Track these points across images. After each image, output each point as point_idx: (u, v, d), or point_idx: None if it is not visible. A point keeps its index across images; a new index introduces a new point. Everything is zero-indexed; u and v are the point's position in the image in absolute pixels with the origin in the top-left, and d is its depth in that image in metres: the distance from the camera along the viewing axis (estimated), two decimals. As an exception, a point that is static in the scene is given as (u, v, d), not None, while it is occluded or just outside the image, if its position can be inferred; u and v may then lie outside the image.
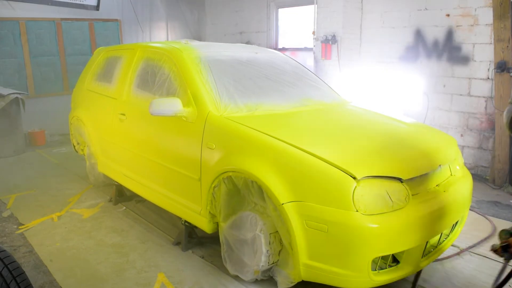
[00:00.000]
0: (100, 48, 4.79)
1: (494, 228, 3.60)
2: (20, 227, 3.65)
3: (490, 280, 2.81)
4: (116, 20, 7.84)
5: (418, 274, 2.78)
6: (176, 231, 3.43)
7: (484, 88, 4.90)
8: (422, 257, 2.43)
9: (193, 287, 2.74)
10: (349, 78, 5.99)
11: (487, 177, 4.90)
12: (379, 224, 2.18)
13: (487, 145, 4.99)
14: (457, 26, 5.05)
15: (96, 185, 4.65)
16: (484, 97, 4.92)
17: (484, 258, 3.11)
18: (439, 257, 2.84)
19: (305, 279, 2.40)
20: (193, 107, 2.96)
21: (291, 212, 2.30)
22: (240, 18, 8.21)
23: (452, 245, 3.17)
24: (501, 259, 2.07)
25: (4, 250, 1.94)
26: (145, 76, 3.64)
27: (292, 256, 2.41)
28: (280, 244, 2.54)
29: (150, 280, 2.81)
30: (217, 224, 2.88)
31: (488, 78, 4.85)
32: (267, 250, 2.51)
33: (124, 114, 3.72)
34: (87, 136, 4.46)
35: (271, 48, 6.95)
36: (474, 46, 4.94)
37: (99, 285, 2.76)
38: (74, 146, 4.98)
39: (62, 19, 7.15)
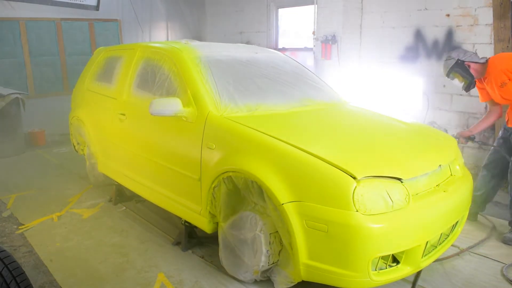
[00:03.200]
0: (100, 48, 4.79)
1: (494, 228, 3.60)
2: (20, 227, 3.65)
3: (490, 280, 2.82)
4: (116, 20, 7.84)
5: (418, 274, 2.78)
6: (176, 231, 3.43)
7: (484, 88, 4.90)
8: (422, 257, 2.43)
9: (193, 287, 2.74)
10: (349, 78, 5.99)
11: (487, 177, 4.89)
12: (379, 224, 2.18)
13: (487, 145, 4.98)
14: (457, 26, 5.04)
15: (96, 185, 4.65)
16: (484, 97, 4.91)
17: (484, 258, 3.11)
18: (439, 257, 2.84)
19: (305, 279, 2.40)
20: (193, 107, 2.96)
21: (291, 212, 2.30)
22: (240, 18, 8.21)
23: (452, 245, 3.17)
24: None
25: (4, 250, 1.93)
26: (145, 76, 3.64)
27: (292, 256, 2.41)
28: (280, 244, 2.54)
29: (150, 280, 2.81)
30: (217, 224, 2.88)
31: (488, 78, 4.84)
32: (267, 250, 2.51)
33: (124, 114, 3.72)
34: (87, 136, 4.46)
35: (271, 48, 6.95)
36: (474, 46, 4.93)
37: (99, 285, 2.76)
38: (74, 146, 4.98)
39: (62, 19, 7.15)
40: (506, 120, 3.48)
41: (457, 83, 3.55)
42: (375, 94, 5.82)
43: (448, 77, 3.63)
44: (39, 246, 3.27)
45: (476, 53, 3.56)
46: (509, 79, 3.27)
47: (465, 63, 3.44)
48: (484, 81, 3.52)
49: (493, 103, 3.61)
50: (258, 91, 3.25)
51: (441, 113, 5.34)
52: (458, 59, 3.46)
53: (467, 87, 3.52)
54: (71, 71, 7.27)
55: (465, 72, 3.45)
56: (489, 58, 3.48)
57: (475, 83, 3.57)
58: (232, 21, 8.37)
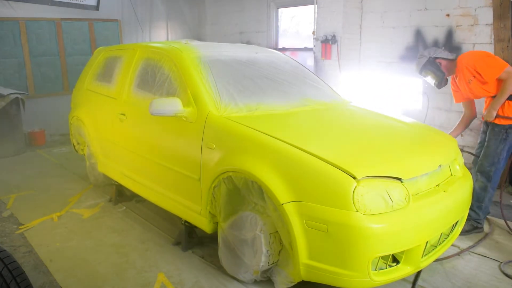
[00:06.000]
0: (100, 48, 4.79)
1: (494, 228, 3.59)
2: (20, 227, 3.65)
3: (490, 280, 2.82)
4: (116, 20, 7.84)
5: (418, 274, 2.79)
6: (176, 231, 3.43)
7: (484, 88, 4.90)
8: (422, 257, 2.43)
9: (193, 287, 2.74)
10: (349, 78, 5.98)
11: (487, 177, 4.89)
12: (379, 224, 2.18)
13: (487, 145, 4.98)
14: (457, 26, 5.04)
15: (96, 185, 4.65)
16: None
17: (484, 258, 3.11)
18: (439, 257, 2.84)
19: (305, 279, 2.40)
20: (193, 107, 2.96)
21: (291, 212, 2.30)
22: (240, 18, 8.21)
23: (452, 245, 3.17)
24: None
25: (4, 250, 1.94)
26: (145, 76, 3.64)
27: (292, 256, 2.41)
28: (280, 244, 2.54)
29: (150, 280, 2.81)
30: (217, 224, 2.88)
31: (488, 78, 4.84)
32: (267, 250, 2.52)
33: (124, 114, 3.73)
34: (87, 136, 4.46)
35: (271, 48, 6.95)
36: (474, 46, 4.93)
37: (99, 285, 2.76)
38: (74, 146, 4.98)
39: (62, 19, 7.15)
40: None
41: (430, 80, 3.63)
42: (375, 94, 5.82)
43: (420, 74, 3.71)
44: (39, 246, 3.28)
45: (446, 50, 3.64)
46: (474, 76, 3.36)
47: (436, 60, 3.53)
48: (457, 79, 3.60)
49: (466, 105, 3.72)
50: (258, 91, 3.24)
51: (441, 113, 5.34)
52: (429, 56, 3.55)
53: (439, 84, 3.60)
54: (71, 71, 7.27)
55: (436, 69, 3.54)
56: (458, 55, 3.58)
57: (447, 80, 3.65)
58: (232, 21, 8.37)
